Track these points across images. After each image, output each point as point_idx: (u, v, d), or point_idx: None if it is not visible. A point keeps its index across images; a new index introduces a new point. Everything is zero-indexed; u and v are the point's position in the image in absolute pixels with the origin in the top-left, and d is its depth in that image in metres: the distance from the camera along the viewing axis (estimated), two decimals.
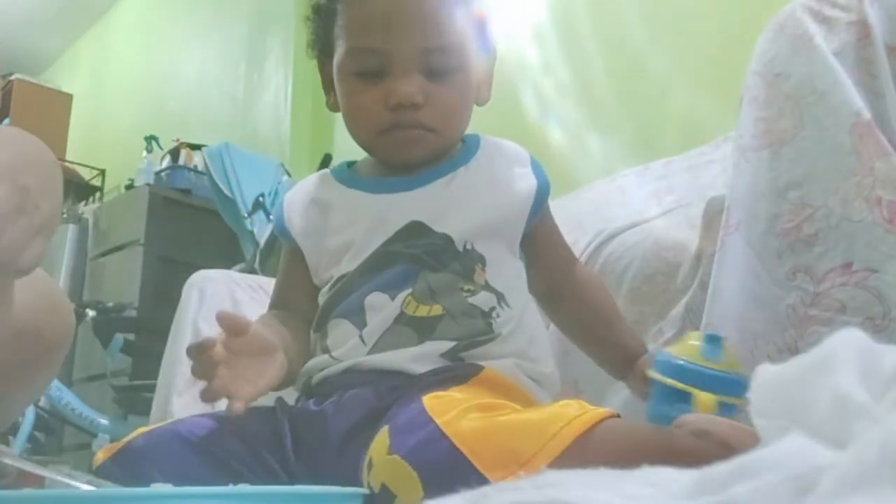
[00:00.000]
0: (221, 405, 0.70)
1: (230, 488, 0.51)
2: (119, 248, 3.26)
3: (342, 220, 0.87)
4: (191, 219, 3.18)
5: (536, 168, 0.90)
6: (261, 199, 2.64)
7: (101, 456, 0.71)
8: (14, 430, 2.43)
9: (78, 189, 4.17)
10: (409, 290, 0.80)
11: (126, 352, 2.70)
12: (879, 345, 0.33)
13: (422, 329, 0.78)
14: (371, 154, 0.91)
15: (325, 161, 2.63)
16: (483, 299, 0.81)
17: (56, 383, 2.56)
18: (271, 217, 2.42)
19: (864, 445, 0.25)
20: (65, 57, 5.37)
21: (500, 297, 0.82)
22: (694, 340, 0.73)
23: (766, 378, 0.35)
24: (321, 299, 0.86)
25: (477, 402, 0.64)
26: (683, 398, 0.69)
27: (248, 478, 0.68)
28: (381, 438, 0.63)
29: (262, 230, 2.54)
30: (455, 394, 0.68)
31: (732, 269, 0.84)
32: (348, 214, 0.87)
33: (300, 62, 3.03)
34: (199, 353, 0.68)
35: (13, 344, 0.65)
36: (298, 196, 0.92)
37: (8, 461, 0.60)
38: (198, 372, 0.69)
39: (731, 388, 0.69)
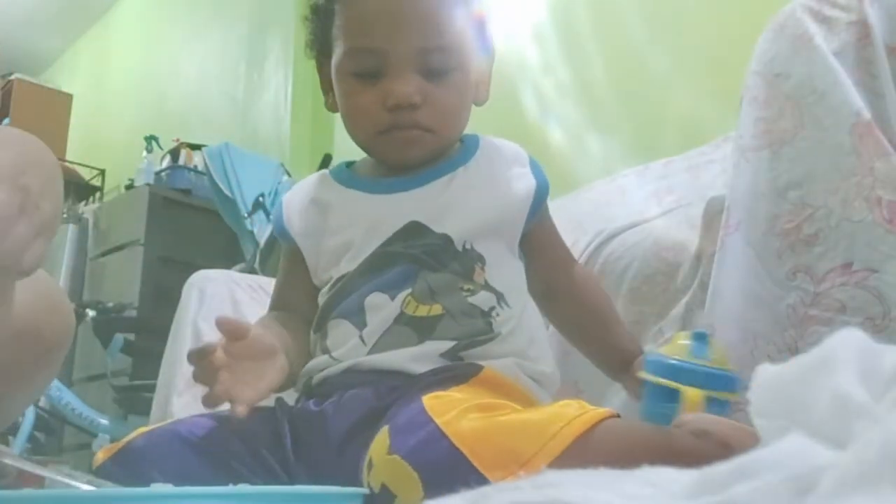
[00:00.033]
0: (222, 406, 0.70)
1: (230, 488, 0.51)
2: (119, 248, 3.26)
3: (341, 221, 0.87)
4: (191, 219, 3.18)
5: (535, 168, 0.90)
6: (261, 199, 2.64)
7: (101, 456, 0.71)
8: (14, 430, 2.43)
9: (78, 189, 4.17)
10: (409, 290, 0.80)
11: (126, 352, 2.70)
12: (879, 345, 0.33)
13: (422, 329, 0.78)
14: (370, 154, 0.91)
15: (325, 161, 2.63)
16: (483, 299, 0.81)
17: (56, 383, 2.56)
18: (271, 217, 2.42)
19: (864, 445, 0.25)
20: (65, 57, 5.37)
21: (500, 297, 0.82)
22: (682, 339, 0.73)
23: (766, 378, 0.34)
24: (321, 300, 0.86)
25: (477, 402, 0.64)
26: (673, 396, 0.69)
27: (248, 478, 0.68)
28: (381, 438, 0.63)
29: (262, 230, 2.54)
30: (455, 394, 0.68)
31: (732, 269, 0.84)
32: (347, 215, 0.87)
33: (300, 62, 3.03)
34: (200, 358, 0.69)
35: (13, 344, 0.65)
36: (297, 197, 0.92)
37: (8, 461, 0.60)
38: (199, 377, 0.69)
39: (718, 383, 0.70)
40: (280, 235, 0.92)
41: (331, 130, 2.99)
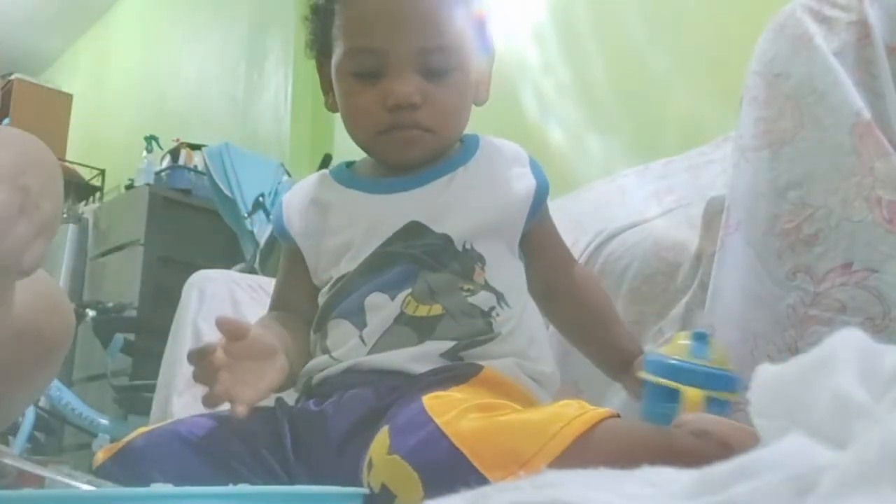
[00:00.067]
0: (222, 406, 0.70)
1: (230, 488, 0.51)
2: (119, 248, 3.26)
3: (341, 221, 0.87)
4: (191, 219, 3.18)
5: (535, 168, 0.90)
6: (261, 199, 2.64)
7: (101, 456, 0.71)
8: (14, 430, 2.43)
9: (78, 189, 4.17)
10: (409, 290, 0.80)
11: (126, 352, 2.70)
12: (879, 345, 0.33)
13: (422, 329, 0.78)
14: (370, 154, 0.90)
15: (325, 161, 2.63)
16: (483, 299, 0.81)
17: (56, 383, 2.56)
18: (271, 217, 2.42)
19: (864, 445, 0.25)
20: (65, 57, 5.37)
21: (500, 297, 0.82)
22: (682, 339, 0.73)
23: (766, 378, 0.34)
24: (321, 300, 0.86)
25: (477, 402, 0.64)
26: (673, 396, 0.69)
27: (248, 478, 0.68)
28: (381, 438, 0.63)
29: (262, 230, 2.55)
30: (455, 394, 0.68)
31: (732, 269, 0.84)
32: (347, 215, 0.87)
33: (300, 62, 3.03)
34: (201, 358, 0.69)
35: (13, 344, 0.65)
36: (297, 197, 0.92)
37: (8, 461, 0.60)
38: (199, 377, 0.69)
39: (718, 383, 0.70)
40: (280, 235, 0.92)
41: (331, 130, 2.99)
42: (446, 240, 0.82)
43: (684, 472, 0.32)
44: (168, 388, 1.55)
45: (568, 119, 2.21)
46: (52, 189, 0.57)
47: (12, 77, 4.88)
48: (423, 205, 0.84)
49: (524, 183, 0.88)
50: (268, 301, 0.95)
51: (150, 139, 3.52)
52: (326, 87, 0.91)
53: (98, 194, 4.37)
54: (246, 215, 2.63)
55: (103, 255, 3.36)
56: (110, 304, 2.78)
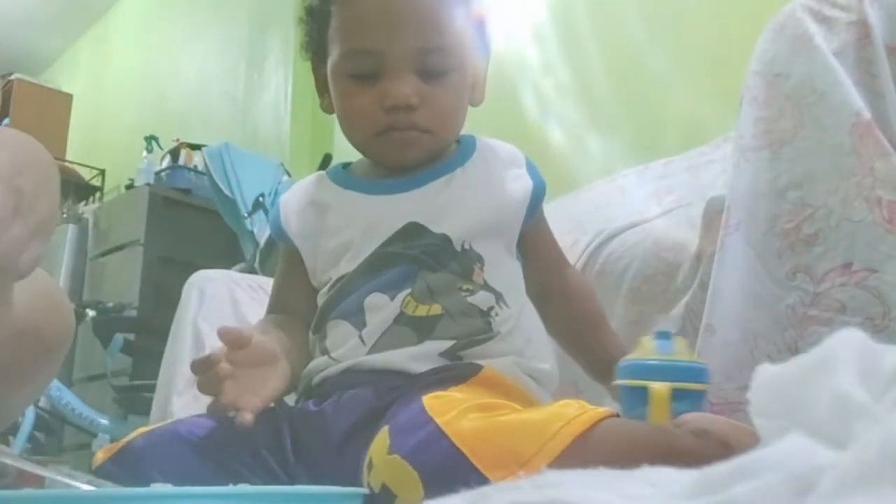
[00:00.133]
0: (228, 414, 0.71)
1: (230, 488, 0.51)
2: (119, 248, 3.26)
3: (339, 222, 0.87)
4: (191, 219, 3.18)
5: (532, 169, 0.90)
6: (261, 199, 2.64)
7: (101, 456, 0.71)
8: (14, 430, 2.43)
9: (78, 189, 4.17)
10: (409, 291, 0.80)
11: (126, 352, 2.70)
12: (879, 345, 0.33)
13: (421, 329, 0.78)
14: (367, 156, 0.90)
15: (325, 161, 2.63)
16: (482, 299, 0.81)
17: (56, 383, 2.56)
18: (269, 218, 2.42)
19: (864, 445, 0.25)
20: (65, 57, 5.37)
21: (499, 297, 0.82)
22: (647, 341, 0.73)
23: (766, 378, 0.34)
24: (320, 300, 0.86)
25: (477, 401, 0.64)
26: (646, 396, 0.69)
27: (248, 478, 0.69)
28: (381, 438, 0.63)
29: (262, 230, 2.55)
30: (455, 393, 0.68)
31: (732, 269, 0.84)
32: (346, 216, 0.87)
33: (300, 62, 3.00)
34: (205, 369, 0.69)
35: (13, 344, 0.65)
36: (295, 198, 0.92)
37: (8, 461, 0.60)
38: (204, 388, 0.70)
39: (683, 374, 0.70)
40: (278, 237, 0.92)
41: (331, 130, 2.99)
42: (445, 240, 0.82)
43: (684, 472, 0.32)
44: (168, 388, 1.55)
45: (568, 119, 2.21)
46: (48, 190, 0.56)
47: (12, 77, 4.88)
48: (422, 206, 0.84)
49: (521, 184, 0.88)
50: (267, 301, 0.95)
51: (150, 139, 3.52)
52: (322, 88, 0.91)
53: (98, 194, 4.37)
54: (246, 215, 2.63)
55: (103, 255, 3.36)
56: (110, 304, 2.78)
